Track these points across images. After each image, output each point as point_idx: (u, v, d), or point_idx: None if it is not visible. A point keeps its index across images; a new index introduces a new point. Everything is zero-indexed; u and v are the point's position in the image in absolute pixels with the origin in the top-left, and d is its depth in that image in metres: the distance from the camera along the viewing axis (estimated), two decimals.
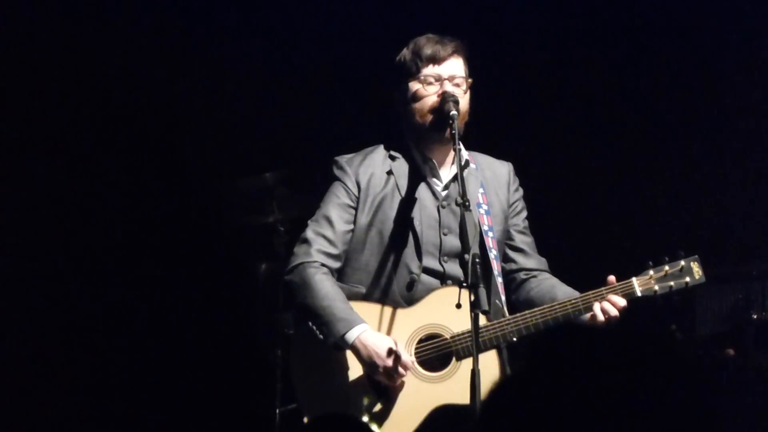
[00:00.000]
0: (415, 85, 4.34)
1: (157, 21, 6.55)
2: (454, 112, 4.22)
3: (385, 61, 4.51)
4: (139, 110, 6.59)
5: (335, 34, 6.67)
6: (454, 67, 4.36)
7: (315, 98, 6.64)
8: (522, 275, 4.48)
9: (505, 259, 4.47)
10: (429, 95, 4.32)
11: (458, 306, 3.94)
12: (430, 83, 4.33)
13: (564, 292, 4.35)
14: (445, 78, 4.32)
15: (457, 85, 4.34)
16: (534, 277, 4.47)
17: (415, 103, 4.34)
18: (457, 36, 4.42)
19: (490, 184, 4.44)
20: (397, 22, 6.28)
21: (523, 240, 4.50)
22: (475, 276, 3.82)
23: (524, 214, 4.53)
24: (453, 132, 4.19)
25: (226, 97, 6.66)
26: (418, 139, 4.40)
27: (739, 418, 5.88)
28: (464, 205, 3.98)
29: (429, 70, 4.33)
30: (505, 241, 4.47)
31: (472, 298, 3.82)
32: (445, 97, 4.27)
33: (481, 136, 4.40)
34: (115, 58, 6.51)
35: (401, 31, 4.52)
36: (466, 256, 3.86)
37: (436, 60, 4.33)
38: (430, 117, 4.32)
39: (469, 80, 4.37)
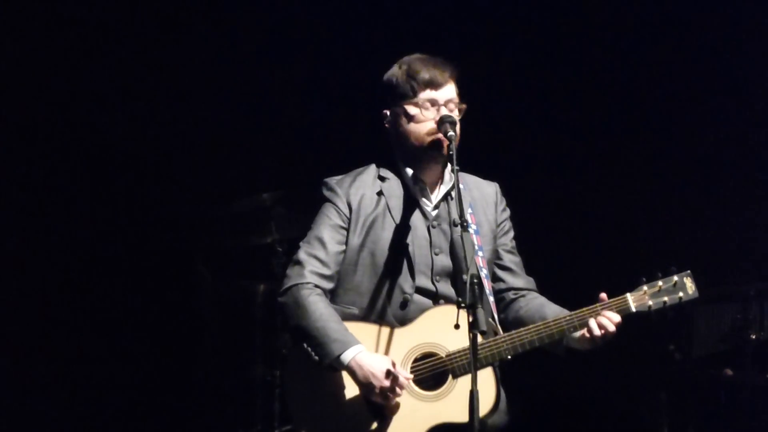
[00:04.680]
0: (412, 109, 4.36)
1: (156, 40, 6.58)
2: (451, 133, 4.24)
3: (378, 80, 4.51)
4: (138, 131, 6.61)
5: (330, 53, 6.69)
6: (450, 91, 4.38)
7: (312, 119, 6.66)
8: (511, 294, 4.50)
9: (493, 278, 4.49)
10: (427, 120, 4.34)
11: (457, 327, 3.94)
12: (427, 108, 4.34)
13: (553, 310, 4.36)
14: (441, 104, 4.34)
15: (451, 110, 4.35)
16: (523, 296, 4.49)
17: (411, 126, 4.36)
18: (443, 53, 4.43)
19: (478, 204, 4.46)
20: (390, 41, 6.30)
21: (512, 259, 4.53)
22: (473, 296, 3.81)
23: (512, 233, 4.56)
24: (450, 153, 4.20)
25: (224, 118, 6.68)
26: (410, 160, 4.42)
27: None
28: (463, 225, 3.99)
29: (426, 95, 4.35)
30: (494, 261, 4.50)
31: (471, 318, 3.82)
32: (443, 119, 4.28)
33: (471, 153, 4.40)
34: (111, 79, 6.54)
35: (394, 51, 4.52)
36: (464, 276, 3.86)
37: (434, 85, 4.35)
38: (426, 140, 4.35)
39: (463, 106, 4.38)
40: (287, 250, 6.16)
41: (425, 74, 4.35)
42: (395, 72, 4.41)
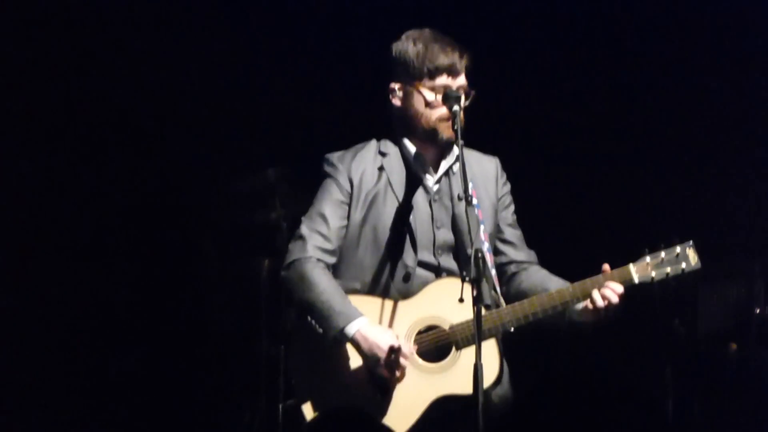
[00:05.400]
0: (428, 94, 4.36)
1: (156, 16, 6.56)
2: (456, 107, 4.24)
3: (387, 56, 4.50)
4: (140, 108, 6.61)
5: (335, 28, 6.68)
6: (464, 78, 4.39)
7: (317, 94, 6.65)
8: (513, 268, 4.52)
9: (495, 252, 4.51)
10: (441, 106, 4.35)
11: (461, 301, 3.96)
12: (441, 93, 4.34)
13: (555, 283, 4.38)
14: (455, 89, 4.35)
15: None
16: (525, 269, 4.51)
17: (425, 110, 4.37)
18: (441, 27, 4.44)
19: (479, 179, 4.47)
20: (395, 16, 6.29)
21: (513, 233, 4.55)
22: (477, 271, 3.82)
23: (513, 207, 4.58)
24: (455, 128, 4.22)
25: (228, 93, 6.67)
26: (413, 136, 4.42)
27: (741, 413, 5.89)
28: (467, 200, 4.00)
29: (443, 81, 4.35)
30: (496, 235, 4.52)
31: (475, 292, 3.83)
32: (447, 95, 4.29)
33: (471, 127, 4.40)
34: (113, 55, 6.53)
35: (399, 26, 4.52)
36: (469, 251, 3.89)
37: (452, 72, 4.36)
38: (436, 125, 4.36)
39: (473, 92, 4.37)
40: (292, 226, 6.16)
41: (445, 60, 4.35)
42: (408, 48, 4.39)
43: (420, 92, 4.36)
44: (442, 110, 4.33)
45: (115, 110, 6.60)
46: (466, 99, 4.33)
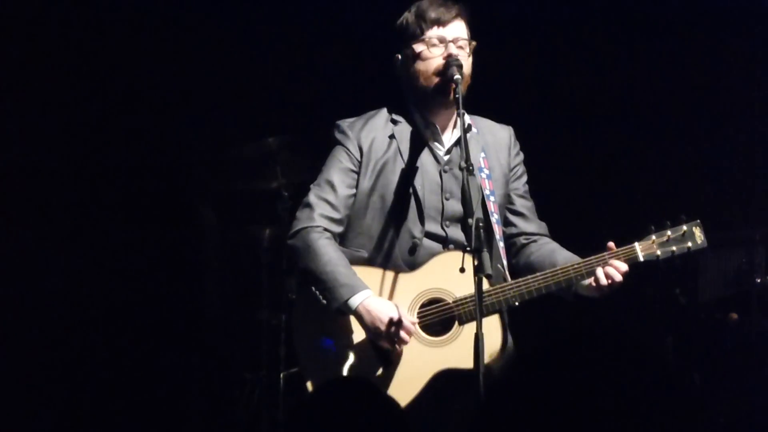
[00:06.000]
0: (419, 47, 4.34)
1: None
2: (457, 76, 4.22)
3: (389, 23, 4.50)
4: (141, 76, 6.58)
5: None
6: (458, 29, 4.36)
7: (319, 63, 6.63)
8: (522, 239, 4.49)
9: (505, 223, 4.47)
10: (434, 57, 4.31)
11: (462, 270, 3.95)
12: (435, 45, 4.32)
13: (564, 256, 4.35)
14: (449, 40, 4.32)
15: (461, 48, 4.33)
16: (534, 241, 4.48)
17: (419, 65, 4.34)
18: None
19: (491, 149, 4.44)
20: None
21: (524, 204, 4.51)
22: (478, 240, 3.81)
23: (525, 178, 4.53)
24: (456, 96, 4.19)
25: (230, 61, 6.65)
26: (421, 103, 4.39)
27: (742, 382, 5.90)
28: (468, 169, 3.98)
29: (433, 32, 4.33)
30: (506, 206, 4.48)
31: (476, 262, 3.82)
32: (449, 62, 4.26)
33: (482, 99, 4.38)
34: (114, 22, 6.49)
35: None
36: (470, 220, 3.87)
37: (440, 22, 4.33)
38: (434, 80, 4.32)
39: (473, 43, 4.36)
40: (293, 195, 6.16)
41: (432, 13, 4.33)
42: (405, 15, 4.40)
43: (413, 49, 4.35)
44: (438, 61, 4.30)
45: (116, 78, 6.57)
46: (460, 48, 4.31)
